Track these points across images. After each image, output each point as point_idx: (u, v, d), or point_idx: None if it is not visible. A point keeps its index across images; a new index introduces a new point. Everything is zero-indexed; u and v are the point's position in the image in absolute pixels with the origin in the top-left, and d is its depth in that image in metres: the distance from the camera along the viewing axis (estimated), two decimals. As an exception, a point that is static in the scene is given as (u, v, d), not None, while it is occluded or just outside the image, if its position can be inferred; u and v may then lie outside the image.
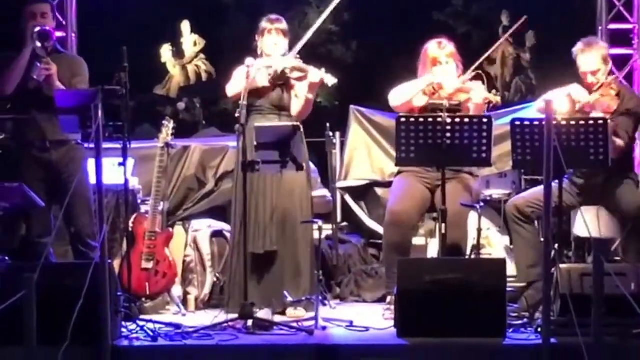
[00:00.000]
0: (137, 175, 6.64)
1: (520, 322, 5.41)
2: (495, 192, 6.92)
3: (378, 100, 6.31)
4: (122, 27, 11.88)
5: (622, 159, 5.76)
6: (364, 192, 7.62)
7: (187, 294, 6.42)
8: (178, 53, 14.17)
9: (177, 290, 6.28)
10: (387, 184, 6.99)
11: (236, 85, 5.93)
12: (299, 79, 5.92)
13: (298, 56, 6.01)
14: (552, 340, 4.88)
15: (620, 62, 7.50)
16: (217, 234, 6.68)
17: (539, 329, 5.07)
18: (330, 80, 5.84)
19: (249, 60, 5.80)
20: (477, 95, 5.84)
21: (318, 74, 5.84)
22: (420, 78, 6.00)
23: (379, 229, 6.93)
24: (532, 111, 6.17)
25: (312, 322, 5.49)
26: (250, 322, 5.38)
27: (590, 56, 5.84)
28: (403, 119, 5.50)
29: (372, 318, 5.80)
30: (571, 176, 5.91)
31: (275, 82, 5.95)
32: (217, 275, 6.56)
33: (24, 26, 5.88)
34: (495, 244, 6.84)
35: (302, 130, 5.57)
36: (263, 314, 5.63)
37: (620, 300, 4.72)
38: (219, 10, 14.02)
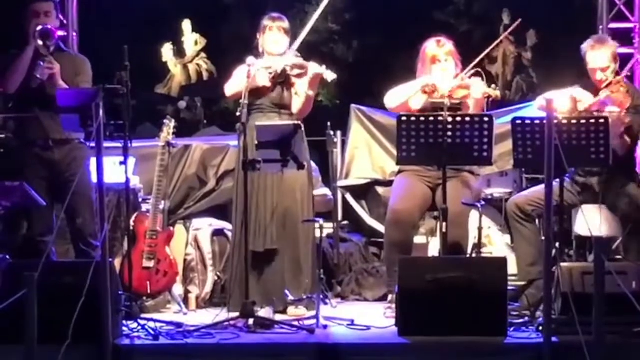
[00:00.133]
0: (138, 174, 6.64)
1: (521, 320, 5.40)
2: (496, 191, 6.92)
3: (379, 99, 6.29)
4: (123, 26, 11.89)
5: (623, 158, 5.77)
6: (365, 191, 7.61)
7: (188, 292, 6.41)
8: (179, 52, 14.16)
9: (178, 289, 6.29)
10: (388, 183, 6.99)
11: (235, 85, 5.94)
12: (300, 76, 5.92)
13: (298, 54, 6.02)
14: (553, 338, 4.89)
15: (620, 61, 7.48)
16: (218, 233, 6.68)
17: (540, 328, 5.07)
18: (330, 75, 5.85)
19: (250, 60, 5.80)
20: (477, 90, 5.83)
21: (318, 68, 5.85)
22: (416, 80, 6.00)
23: (380, 228, 6.93)
24: (532, 110, 6.17)
25: (313, 321, 5.49)
26: (251, 321, 5.39)
27: (601, 53, 5.85)
28: (404, 118, 5.49)
29: (373, 317, 5.79)
30: (572, 175, 5.91)
31: (276, 80, 5.96)
32: (218, 274, 6.56)
33: (27, 25, 5.87)
34: (496, 242, 6.85)
35: (303, 129, 5.57)
36: (264, 312, 5.63)
37: (622, 298, 4.70)
38: (220, 9, 14.02)
